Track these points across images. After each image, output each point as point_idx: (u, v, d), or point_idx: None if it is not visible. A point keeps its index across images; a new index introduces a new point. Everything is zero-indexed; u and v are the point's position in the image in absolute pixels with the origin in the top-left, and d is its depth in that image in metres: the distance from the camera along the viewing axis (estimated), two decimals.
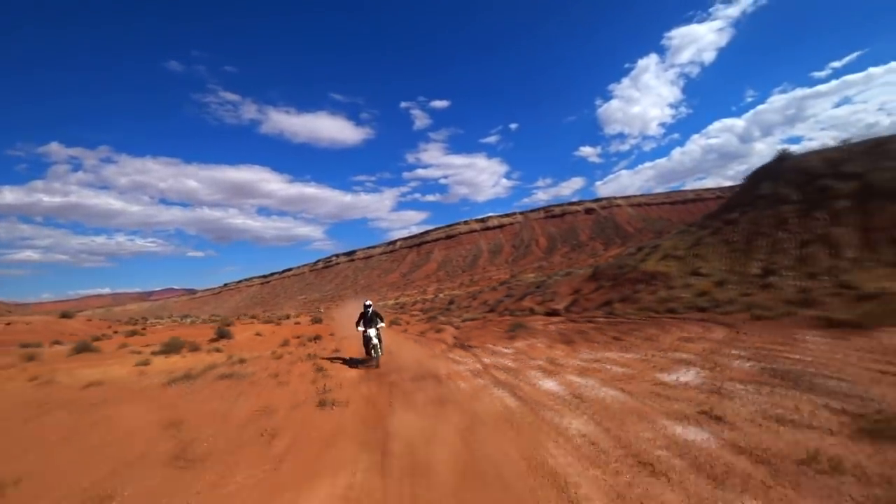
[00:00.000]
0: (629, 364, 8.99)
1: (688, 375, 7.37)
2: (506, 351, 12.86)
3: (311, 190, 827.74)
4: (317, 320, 28.34)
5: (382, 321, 11.82)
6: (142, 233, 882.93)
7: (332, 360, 12.75)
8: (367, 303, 11.76)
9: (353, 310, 30.69)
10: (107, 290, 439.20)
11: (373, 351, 11.28)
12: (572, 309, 24.15)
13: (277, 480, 4.48)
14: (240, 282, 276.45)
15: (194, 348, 16.22)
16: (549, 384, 8.21)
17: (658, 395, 6.51)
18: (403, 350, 14.95)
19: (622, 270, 26.97)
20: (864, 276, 16.92)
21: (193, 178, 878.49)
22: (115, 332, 30.77)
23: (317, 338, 19.37)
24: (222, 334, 19.58)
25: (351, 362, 12.31)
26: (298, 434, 5.84)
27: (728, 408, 5.44)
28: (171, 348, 15.09)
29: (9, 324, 40.60)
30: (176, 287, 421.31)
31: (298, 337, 20.25)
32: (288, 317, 43.78)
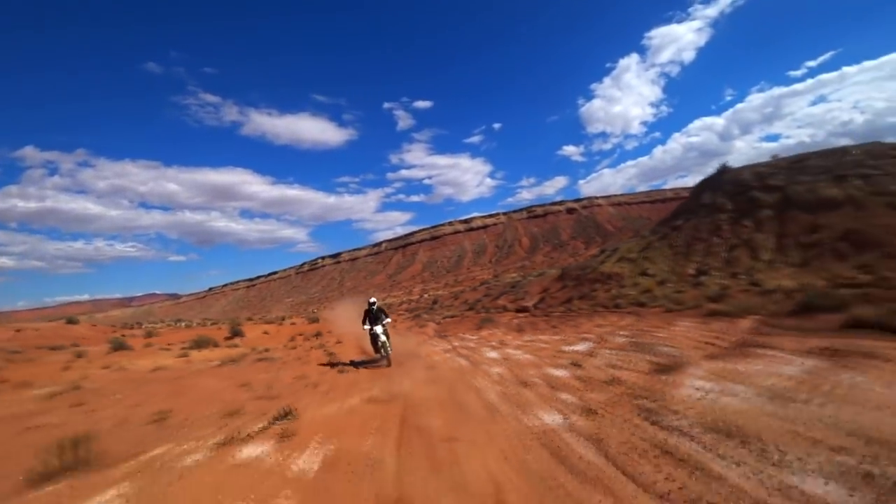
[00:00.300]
0: (550, 342, 12.59)
1: (580, 346, 10.92)
2: (471, 338, 16.51)
3: (294, 192, 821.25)
4: (314, 320, 31.45)
5: (388, 317, 11.52)
6: (121, 237, 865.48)
7: (337, 347, 15.94)
8: (372, 300, 11.65)
9: (345, 310, 33.80)
10: (86, 297, 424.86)
11: (382, 349, 11.04)
12: (539, 306, 27.65)
13: (329, 398, 7.84)
14: (225, 285, 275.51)
15: (215, 344, 19.23)
16: (492, 354, 12.04)
17: (554, 356, 10.08)
18: (393, 340, 18.25)
19: (584, 272, 30.60)
20: (771, 275, 20.75)
21: (174, 181, 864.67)
22: (126, 336, 33.33)
23: (318, 334, 22.53)
24: (235, 332, 22.55)
25: (353, 355, 15.54)
26: (331, 384, 9.19)
27: (589, 361, 8.86)
28: (199, 344, 18.07)
29: (18, 330, 42.50)
30: (158, 292, 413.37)
31: (301, 334, 23.37)
32: (283, 318, 46.54)
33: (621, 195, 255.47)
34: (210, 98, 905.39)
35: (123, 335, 35.39)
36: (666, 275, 25.23)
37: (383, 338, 10.95)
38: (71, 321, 44.92)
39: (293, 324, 38.49)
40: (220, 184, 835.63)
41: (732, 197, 28.41)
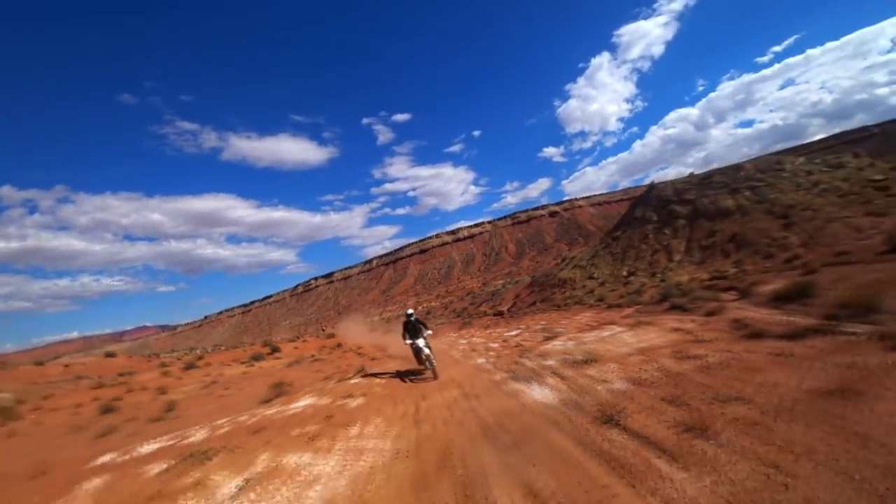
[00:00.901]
0: (500, 332, 19.43)
1: (514, 332, 17.73)
2: (453, 335, 23.26)
3: (279, 213, 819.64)
4: (330, 336, 37.68)
5: (429, 329, 11.32)
6: (107, 272, 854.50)
7: (360, 351, 22.44)
8: (409, 311, 11.44)
9: (351, 326, 40.09)
10: (75, 334, 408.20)
11: (426, 362, 10.69)
12: (511, 309, 34.47)
13: (375, 365, 14.39)
14: (220, 313, 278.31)
15: (264, 357, 25.57)
16: (462, 341, 18.88)
17: (496, 338, 16.91)
18: (396, 345, 24.87)
19: (548, 278, 37.54)
20: (677, 273, 27.74)
21: (157, 211, 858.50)
22: (164, 364, 39.16)
23: (339, 345, 28.97)
24: (274, 349, 28.84)
25: (376, 354, 22.07)
26: (374, 365, 15.72)
27: (512, 339, 15.62)
28: (255, 358, 24.43)
29: (67, 365, 48.15)
30: (149, 324, 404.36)
31: (325, 346, 29.78)
32: (297, 338, 52.65)
33: (600, 195, 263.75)
34: (188, 125, 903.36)
35: (166, 362, 41.30)
36: (606, 277, 32.24)
37: (427, 350, 10.59)
38: (109, 354, 50.63)
39: (305, 341, 44.75)
40: (203, 211, 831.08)
41: (657, 210, 35.66)
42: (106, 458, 6.32)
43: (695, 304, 13.55)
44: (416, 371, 11.59)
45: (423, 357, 10.70)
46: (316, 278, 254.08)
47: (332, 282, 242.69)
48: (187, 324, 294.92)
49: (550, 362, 9.56)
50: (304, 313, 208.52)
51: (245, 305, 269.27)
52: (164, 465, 5.37)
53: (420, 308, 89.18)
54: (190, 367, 25.45)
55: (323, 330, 64.33)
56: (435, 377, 10.45)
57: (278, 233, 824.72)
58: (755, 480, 3.23)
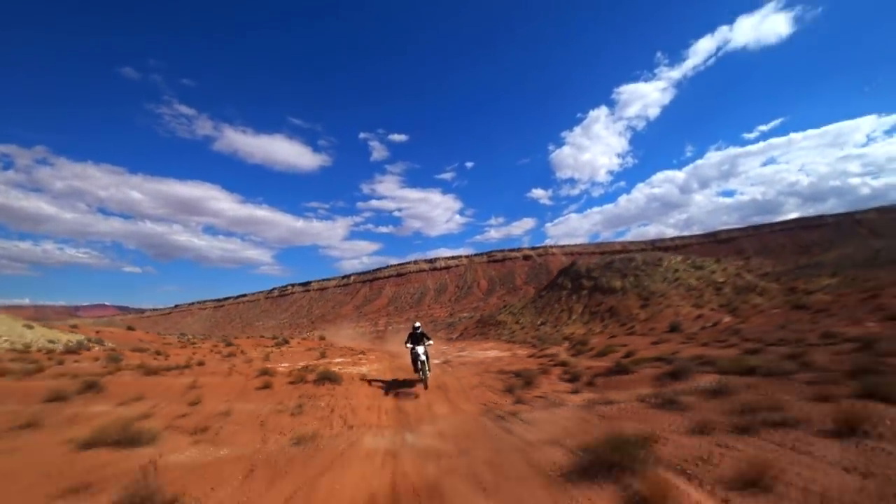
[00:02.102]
0: (441, 349, 32.11)
1: (446, 347, 30.47)
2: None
3: (262, 212, 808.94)
4: (322, 337, 49.31)
5: (431, 340, 11.94)
6: (74, 242, 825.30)
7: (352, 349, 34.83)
8: (417, 325, 11.95)
9: (339, 332, 52.39)
10: (27, 301, 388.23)
11: (421, 370, 11.16)
12: (460, 337, 47.30)
13: (385, 347, 27.02)
14: (192, 304, 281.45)
15: (286, 343, 37.65)
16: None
17: (443, 352, 29.61)
18: (373, 350, 37.18)
19: (490, 318, 50.67)
20: (571, 328, 41.17)
21: (138, 189, 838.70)
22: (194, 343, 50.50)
23: (330, 345, 41.19)
24: (286, 341, 40.74)
25: (364, 347, 34.51)
26: (372, 348, 28.29)
27: (444, 351, 28.39)
28: (279, 343, 36.51)
29: (98, 331, 58.51)
30: (108, 303, 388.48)
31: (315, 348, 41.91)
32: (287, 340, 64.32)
33: (574, 245, 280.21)
34: (185, 110, 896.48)
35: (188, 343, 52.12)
36: (526, 324, 45.55)
37: (423, 358, 11.08)
38: (130, 328, 61.01)
39: (305, 338, 56.59)
40: (186, 197, 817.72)
41: (572, 281, 49.53)
42: (284, 365, 18.92)
43: (545, 345, 26.76)
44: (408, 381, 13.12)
45: (419, 364, 11.11)
46: (293, 284, 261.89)
47: (308, 290, 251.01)
48: (155, 309, 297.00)
49: (450, 357, 22.47)
50: (278, 317, 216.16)
51: (218, 300, 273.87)
52: (315, 360, 18.06)
53: (390, 328, 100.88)
54: (230, 347, 37.22)
55: (310, 333, 75.13)
56: (426, 387, 10.88)
57: (257, 231, 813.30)
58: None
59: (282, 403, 9.22)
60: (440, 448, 6.39)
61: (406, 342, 12.01)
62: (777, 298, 36.99)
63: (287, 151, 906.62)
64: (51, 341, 25.83)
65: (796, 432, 4.88)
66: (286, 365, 17.83)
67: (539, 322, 44.55)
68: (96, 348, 25.79)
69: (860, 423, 4.64)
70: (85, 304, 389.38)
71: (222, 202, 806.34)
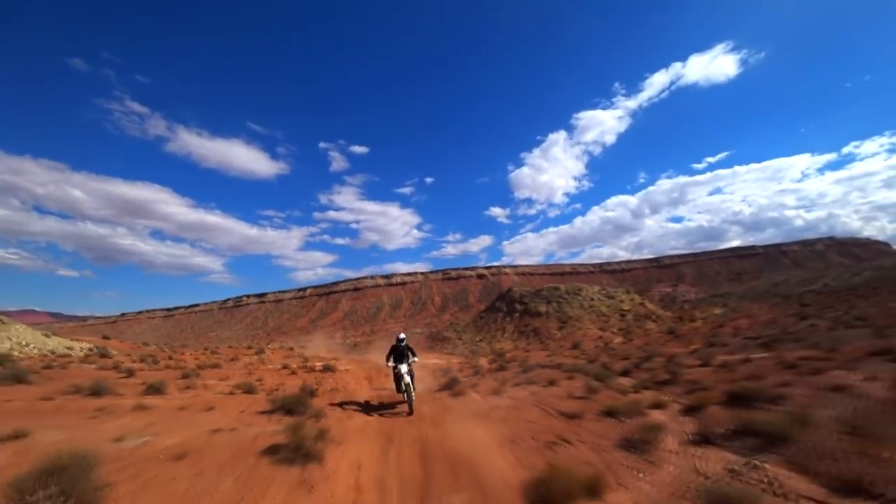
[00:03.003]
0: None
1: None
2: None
3: (214, 218, 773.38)
4: (290, 348, 56.01)
5: (415, 356, 10.51)
6: (2, 241, 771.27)
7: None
8: (401, 336, 10.62)
9: (308, 343, 59.45)
10: None
11: (405, 391, 9.60)
12: None
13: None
14: (139, 312, 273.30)
15: (263, 352, 44.74)
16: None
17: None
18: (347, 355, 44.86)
19: (439, 334, 59.33)
20: (502, 343, 50.58)
21: (80, 187, 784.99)
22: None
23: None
24: (260, 351, 47.53)
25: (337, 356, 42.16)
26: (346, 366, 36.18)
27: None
28: (258, 352, 43.61)
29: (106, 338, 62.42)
30: (38, 309, 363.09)
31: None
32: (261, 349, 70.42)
33: (526, 266, 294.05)
34: (137, 107, 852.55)
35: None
36: (467, 340, 54.65)
37: (407, 378, 9.59)
38: (105, 337, 65.16)
39: (274, 350, 63.05)
40: (133, 198, 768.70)
41: (507, 304, 59.23)
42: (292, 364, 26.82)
43: (475, 356, 35.66)
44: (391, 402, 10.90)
45: (403, 385, 9.53)
46: (248, 295, 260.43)
47: (263, 302, 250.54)
48: (98, 318, 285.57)
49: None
50: (233, 328, 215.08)
51: (169, 310, 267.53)
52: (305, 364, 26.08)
53: (348, 341, 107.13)
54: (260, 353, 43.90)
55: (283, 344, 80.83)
56: (410, 412, 9.28)
57: (208, 238, 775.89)
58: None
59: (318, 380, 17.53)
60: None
61: (387, 359, 10.34)
62: (664, 325, 47.89)
63: (244, 157, 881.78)
64: (68, 348, 32.20)
65: (534, 386, 13.82)
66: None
67: (478, 339, 53.63)
68: (116, 354, 32.47)
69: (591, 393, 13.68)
70: (11, 309, 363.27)
71: (172, 206, 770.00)
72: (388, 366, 10.28)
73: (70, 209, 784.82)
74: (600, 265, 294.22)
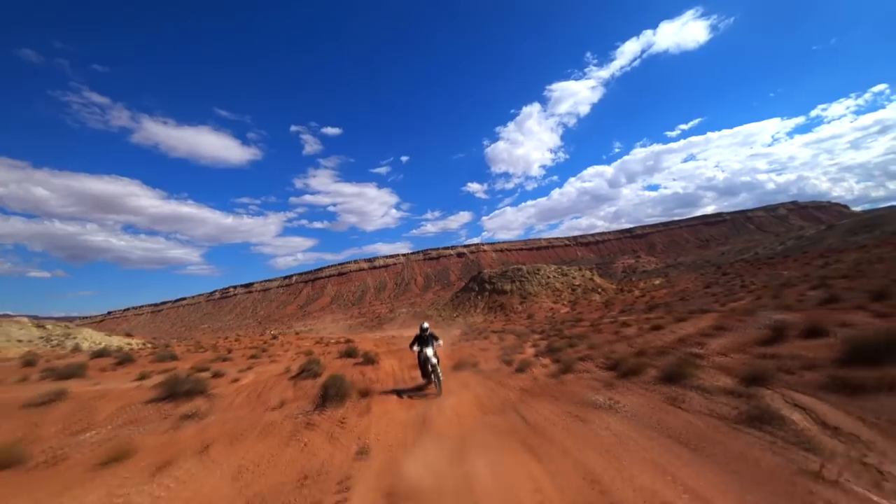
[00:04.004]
0: (395, 333, 50.52)
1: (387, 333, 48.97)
2: (368, 334, 53.93)
3: (187, 209, 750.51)
4: (297, 332, 65.10)
5: (440, 341, 10.81)
6: None
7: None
8: (425, 325, 10.77)
9: (318, 326, 69.04)
10: None
11: (432, 374, 9.86)
12: (399, 327, 65.69)
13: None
14: (126, 310, 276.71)
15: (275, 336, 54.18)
16: (368, 334, 49.53)
17: (393, 335, 47.99)
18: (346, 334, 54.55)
19: (422, 312, 69.43)
20: (475, 318, 61.06)
21: (43, 185, 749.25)
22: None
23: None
24: (275, 335, 56.82)
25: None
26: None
27: (395, 335, 46.84)
28: (274, 337, 53.12)
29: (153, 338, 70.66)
30: (11, 313, 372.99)
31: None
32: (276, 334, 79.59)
33: (503, 242, 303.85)
34: (97, 98, 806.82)
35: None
36: (446, 316, 64.90)
37: (434, 360, 9.86)
38: (128, 334, 73.45)
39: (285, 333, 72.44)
40: (101, 193, 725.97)
41: (479, 284, 69.60)
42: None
43: (451, 328, 45.90)
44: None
45: (430, 368, 9.84)
46: (235, 286, 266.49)
47: (251, 292, 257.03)
48: (85, 318, 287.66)
49: (395, 336, 41.04)
50: (223, 319, 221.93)
51: (156, 305, 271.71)
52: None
53: (341, 323, 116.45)
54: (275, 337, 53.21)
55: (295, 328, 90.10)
56: (439, 393, 9.44)
57: (183, 229, 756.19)
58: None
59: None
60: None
61: (412, 345, 10.46)
62: (607, 297, 58.63)
63: (213, 144, 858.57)
64: (128, 343, 41.07)
65: (482, 342, 23.78)
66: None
67: (455, 315, 63.86)
68: (181, 346, 41.62)
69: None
70: None
71: (143, 198, 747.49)
72: (413, 350, 10.42)
73: (35, 208, 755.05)
74: (575, 238, 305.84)
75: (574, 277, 69.20)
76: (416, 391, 10.16)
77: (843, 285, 16.41)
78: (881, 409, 4.42)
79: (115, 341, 41.07)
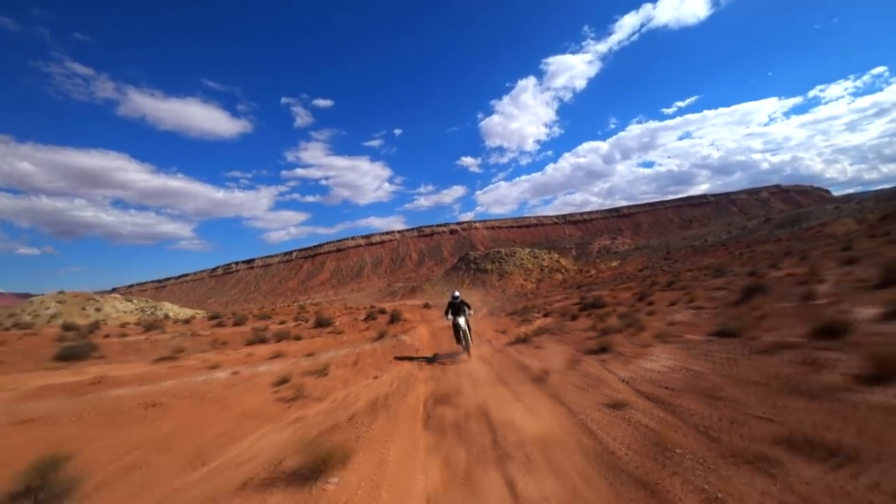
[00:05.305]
0: (397, 304, 64.33)
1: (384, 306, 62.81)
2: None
3: (177, 183, 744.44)
4: (316, 303, 78.66)
5: (471, 309, 11.47)
6: None
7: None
8: (455, 294, 11.49)
9: (350, 297, 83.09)
10: None
11: (463, 339, 10.70)
12: (399, 300, 79.57)
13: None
14: (130, 286, 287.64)
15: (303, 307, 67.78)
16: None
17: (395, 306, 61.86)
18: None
19: (418, 287, 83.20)
20: (462, 293, 75.28)
21: (28, 159, 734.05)
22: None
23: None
24: (302, 306, 70.22)
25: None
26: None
27: (397, 305, 60.55)
28: (302, 306, 66.75)
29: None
30: (2, 291, 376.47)
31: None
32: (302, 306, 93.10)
33: (494, 220, 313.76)
34: (80, 69, 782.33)
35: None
36: (438, 290, 78.81)
37: (465, 327, 10.65)
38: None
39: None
40: (88, 168, 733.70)
41: (466, 264, 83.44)
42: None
43: (445, 297, 59.82)
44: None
45: (461, 335, 10.63)
46: (237, 262, 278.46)
47: (252, 268, 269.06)
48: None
49: (397, 306, 54.95)
50: (227, 294, 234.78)
51: (160, 281, 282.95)
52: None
53: (341, 297, 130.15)
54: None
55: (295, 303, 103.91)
56: (468, 356, 10.40)
57: (174, 204, 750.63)
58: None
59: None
60: None
61: (446, 313, 11.09)
62: (566, 276, 72.70)
63: (202, 117, 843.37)
64: (196, 314, 54.16)
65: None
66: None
67: (445, 289, 77.56)
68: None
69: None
70: None
71: (132, 173, 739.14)
72: (446, 319, 11.13)
73: (20, 183, 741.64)
74: (564, 216, 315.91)
75: (543, 259, 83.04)
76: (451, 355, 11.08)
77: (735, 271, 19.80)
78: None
79: (189, 312, 53.94)
